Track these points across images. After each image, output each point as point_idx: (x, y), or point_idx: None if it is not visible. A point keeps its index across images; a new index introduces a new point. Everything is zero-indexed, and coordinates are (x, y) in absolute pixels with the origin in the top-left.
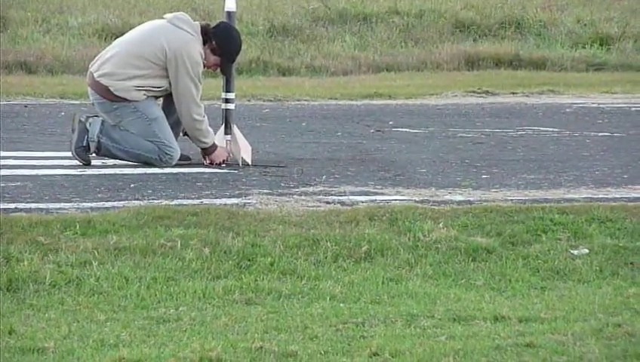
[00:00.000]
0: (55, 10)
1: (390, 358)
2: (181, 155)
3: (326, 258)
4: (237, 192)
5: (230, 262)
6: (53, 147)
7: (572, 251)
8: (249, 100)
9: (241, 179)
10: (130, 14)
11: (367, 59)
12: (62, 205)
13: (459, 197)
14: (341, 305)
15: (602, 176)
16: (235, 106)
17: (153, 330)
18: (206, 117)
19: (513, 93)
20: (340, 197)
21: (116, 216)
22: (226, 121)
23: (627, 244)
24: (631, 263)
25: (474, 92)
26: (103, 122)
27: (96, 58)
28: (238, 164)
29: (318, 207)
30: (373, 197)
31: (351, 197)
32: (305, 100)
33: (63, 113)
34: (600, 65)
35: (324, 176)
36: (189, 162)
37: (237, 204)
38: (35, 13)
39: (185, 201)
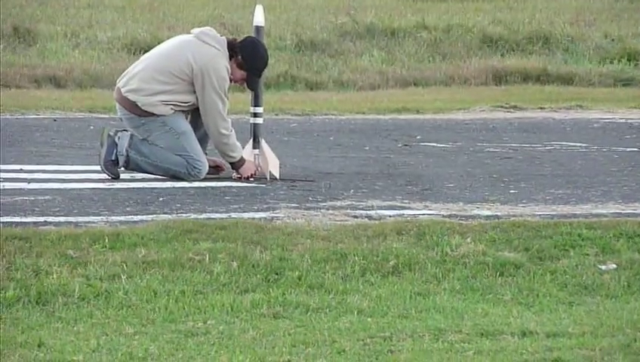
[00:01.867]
0: (84, 25)
1: None
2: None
3: (354, 272)
4: (265, 206)
5: (258, 275)
6: (83, 161)
7: (600, 266)
8: (277, 114)
9: (269, 193)
10: (158, 29)
11: (395, 73)
12: (91, 219)
13: (487, 212)
14: (369, 319)
15: (630, 192)
16: (264, 120)
17: (181, 344)
18: (233, 131)
19: (541, 108)
20: (368, 212)
21: (145, 229)
22: (255, 135)
23: None
24: None
25: (502, 107)
26: (131, 136)
27: (123, 73)
28: (266, 178)
29: (346, 221)
30: (400, 212)
31: (378, 211)
32: (332, 115)
33: (92, 127)
34: (628, 80)
35: (351, 191)
36: (217, 175)
37: (265, 218)
38: (65, 27)
39: (213, 215)
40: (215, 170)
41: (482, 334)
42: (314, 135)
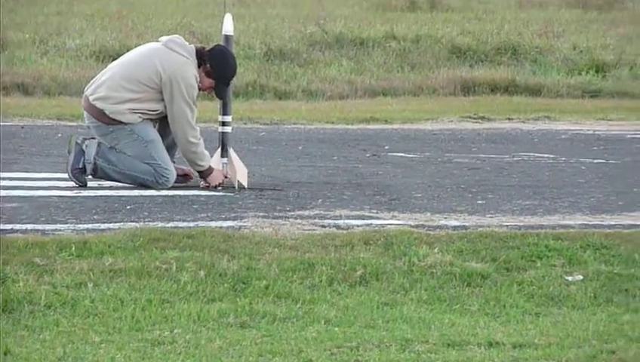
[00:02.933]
0: (53, 32)
1: None
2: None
3: (321, 282)
4: (233, 215)
5: (225, 285)
6: (50, 168)
7: (567, 277)
8: (245, 123)
9: (237, 202)
10: (127, 37)
11: (364, 83)
12: (58, 226)
13: (454, 223)
14: (336, 329)
15: (597, 203)
16: (232, 129)
17: (148, 353)
18: (202, 139)
19: (509, 119)
20: (336, 221)
21: (112, 237)
22: (223, 143)
23: (622, 271)
24: (625, 290)
25: (470, 117)
26: (99, 144)
27: (91, 81)
28: (234, 187)
29: (314, 230)
30: (368, 222)
31: (346, 221)
32: (301, 124)
33: (59, 135)
34: (596, 92)
35: (319, 200)
36: (185, 184)
37: (232, 227)
38: (33, 34)
39: (181, 224)
40: (183, 179)
41: (449, 344)
42: (282, 144)
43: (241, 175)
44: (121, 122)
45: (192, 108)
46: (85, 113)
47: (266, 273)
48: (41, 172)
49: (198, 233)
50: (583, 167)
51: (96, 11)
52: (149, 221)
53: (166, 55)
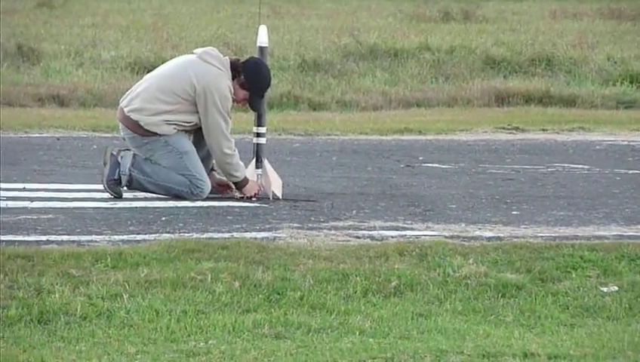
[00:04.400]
0: (88, 44)
1: None
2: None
3: (355, 292)
4: (267, 226)
5: (260, 295)
6: (85, 180)
7: (601, 288)
8: (280, 134)
9: (272, 213)
10: (162, 48)
11: (398, 94)
12: (93, 238)
13: (489, 233)
14: (370, 340)
15: (632, 214)
16: (266, 140)
17: None
18: (236, 151)
19: (543, 130)
20: (370, 232)
21: (147, 249)
22: (257, 155)
23: None
24: None
25: (504, 128)
26: (134, 155)
27: (126, 93)
28: (269, 198)
29: (348, 241)
30: (402, 233)
31: (381, 231)
32: (335, 135)
33: (95, 146)
34: (630, 102)
35: (354, 211)
36: (220, 195)
37: (267, 238)
38: (69, 46)
39: (215, 235)
40: (218, 190)
41: (484, 355)
42: (316, 155)
43: (276, 186)
44: (156, 134)
45: (226, 120)
46: (120, 125)
47: (301, 284)
48: (76, 183)
49: (232, 244)
50: (618, 178)
51: (132, 23)
52: (184, 232)
53: (200, 67)
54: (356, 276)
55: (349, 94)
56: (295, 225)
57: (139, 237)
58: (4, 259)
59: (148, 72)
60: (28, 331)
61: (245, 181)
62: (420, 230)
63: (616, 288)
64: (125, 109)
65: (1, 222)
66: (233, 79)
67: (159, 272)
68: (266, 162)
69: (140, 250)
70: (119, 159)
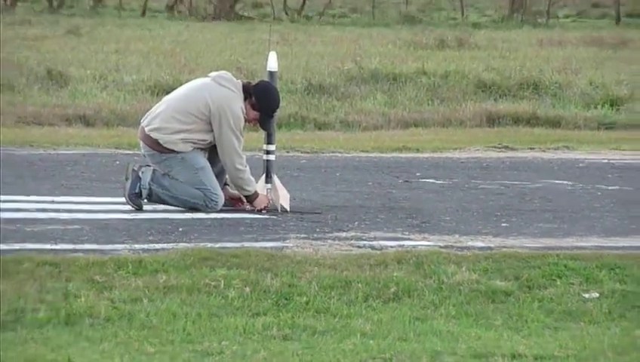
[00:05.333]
0: (112, 69)
1: None
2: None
3: (357, 298)
4: (276, 236)
5: (269, 300)
6: (109, 193)
7: (584, 295)
8: (288, 152)
9: (280, 224)
10: (180, 72)
11: (397, 115)
12: (116, 246)
13: (480, 244)
14: (370, 341)
15: (611, 226)
16: (275, 157)
17: None
18: (248, 167)
19: (531, 149)
20: (371, 242)
21: (165, 257)
22: (267, 170)
23: (634, 289)
24: (637, 306)
25: (494, 147)
26: (154, 171)
27: (147, 113)
28: (278, 210)
29: (350, 250)
30: (401, 243)
31: (380, 242)
32: (339, 152)
33: (117, 162)
34: (610, 124)
35: (356, 223)
36: (232, 208)
37: (276, 247)
38: (94, 71)
39: (228, 244)
40: (231, 203)
41: (475, 356)
42: (321, 171)
43: (284, 199)
44: (173, 151)
45: (238, 138)
46: (141, 143)
47: (307, 290)
48: (100, 196)
49: (244, 253)
50: (599, 193)
51: (152, 49)
52: (199, 241)
53: (215, 89)
54: (358, 282)
55: (351, 115)
56: (301, 235)
57: (158, 246)
58: (35, 266)
59: (166, 94)
60: (56, 332)
61: (256, 195)
62: (416, 240)
63: (597, 294)
64: (146, 128)
65: (32, 232)
66: (245, 100)
67: (176, 278)
68: (275, 177)
69: (158, 258)
70: (140, 174)
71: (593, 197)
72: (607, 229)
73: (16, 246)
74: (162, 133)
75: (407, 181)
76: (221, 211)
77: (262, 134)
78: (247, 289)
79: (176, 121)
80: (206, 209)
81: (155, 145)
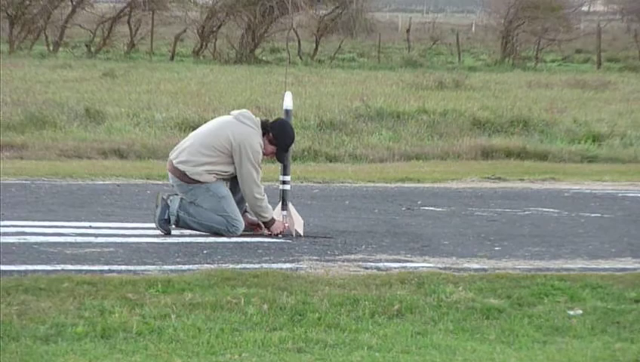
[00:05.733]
0: (144, 107)
1: None
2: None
3: (364, 314)
4: (291, 258)
5: (284, 316)
6: (140, 219)
7: (569, 312)
8: (302, 182)
9: (295, 248)
10: (204, 110)
11: (400, 149)
12: (147, 267)
13: (475, 266)
14: (376, 354)
15: (594, 250)
16: (290, 187)
17: None
18: (265, 195)
19: (521, 180)
20: (377, 264)
21: (191, 276)
22: (283, 199)
23: (614, 307)
24: (617, 322)
25: (488, 178)
26: (181, 199)
27: (175, 148)
28: (292, 235)
29: (358, 271)
30: (404, 264)
31: (385, 263)
32: (348, 183)
33: (148, 191)
34: (592, 157)
35: (363, 246)
36: (252, 232)
37: (291, 268)
38: (127, 109)
39: (248, 265)
40: (250, 228)
41: None
42: (332, 199)
43: (298, 225)
44: (199, 181)
45: (257, 170)
46: (169, 174)
47: (319, 307)
48: (133, 222)
49: (262, 273)
50: (582, 220)
51: (179, 90)
52: (221, 263)
53: (236, 126)
54: (365, 300)
55: (359, 149)
56: (314, 257)
57: (184, 267)
58: (73, 285)
59: (193, 130)
60: (92, 345)
61: (272, 221)
62: (418, 262)
63: (581, 311)
64: (174, 161)
65: (72, 254)
66: (263, 136)
67: (201, 296)
68: (290, 205)
69: (185, 277)
70: (169, 202)
71: (577, 223)
72: (590, 253)
73: (58, 266)
74: (189, 166)
75: (409, 208)
76: (241, 236)
77: (278, 166)
78: (265, 306)
79: (202, 154)
80: (228, 233)
81: (182, 177)
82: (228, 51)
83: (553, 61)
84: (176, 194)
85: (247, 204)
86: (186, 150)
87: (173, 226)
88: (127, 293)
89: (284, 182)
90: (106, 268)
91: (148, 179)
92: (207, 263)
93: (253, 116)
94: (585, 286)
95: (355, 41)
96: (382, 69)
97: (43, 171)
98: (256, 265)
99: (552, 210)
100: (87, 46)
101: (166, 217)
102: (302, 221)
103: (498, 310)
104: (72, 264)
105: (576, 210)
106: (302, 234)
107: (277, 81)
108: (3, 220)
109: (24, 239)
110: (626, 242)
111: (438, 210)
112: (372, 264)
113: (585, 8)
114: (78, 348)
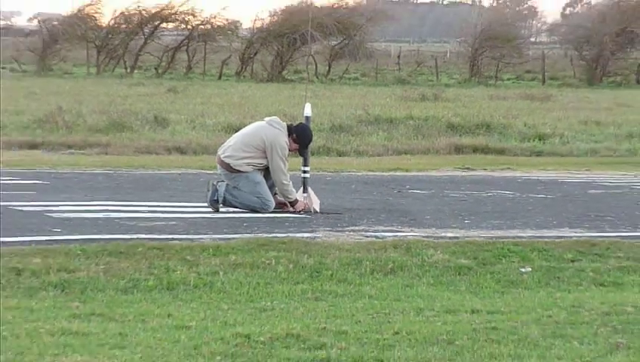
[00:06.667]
0: (198, 115)
1: (406, 335)
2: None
3: (366, 272)
4: (310, 229)
5: (305, 273)
6: (196, 200)
7: (521, 269)
8: (318, 172)
9: (313, 221)
10: (244, 117)
11: (392, 146)
12: (201, 236)
13: (450, 234)
14: (375, 301)
15: (540, 223)
16: (310, 175)
17: (257, 316)
18: (291, 181)
19: (484, 169)
20: (375, 233)
21: (235, 243)
22: (304, 184)
23: (555, 265)
24: (557, 277)
25: (459, 168)
26: (227, 185)
27: (222, 145)
28: (311, 212)
29: (361, 239)
30: (396, 233)
31: (382, 233)
32: (353, 172)
33: (202, 179)
34: (539, 152)
35: (365, 220)
36: (280, 210)
37: (310, 237)
38: (186, 116)
39: (277, 234)
40: (279, 206)
41: (447, 311)
42: (341, 184)
43: (316, 204)
44: (240, 171)
45: (284, 163)
46: (218, 165)
47: (331, 266)
48: (190, 202)
49: (288, 240)
50: (531, 200)
51: (225, 102)
52: (257, 233)
53: (268, 129)
54: (366, 261)
55: (361, 146)
56: (327, 229)
57: (229, 236)
58: (145, 250)
59: (235, 132)
60: (160, 295)
61: (296, 201)
62: (406, 232)
63: (530, 269)
64: (221, 156)
65: (144, 226)
66: (289, 136)
67: (242, 258)
68: (309, 189)
69: (230, 244)
70: (217, 187)
71: (527, 202)
72: (537, 224)
73: (134, 236)
74: (232, 159)
75: (399, 191)
76: (272, 212)
77: (300, 159)
78: (291, 265)
79: (242, 151)
80: (262, 210)
81: (227, 167)
82: (262, 73)
83: (509, 79)
84: (223, 181)
85: (276, 188)
86: (230, 147)
87: (221, 205)
88: (186, 256)
89: (304, 172)
90: (170, 236)
91: (201, 169)
92: (247, 233)
93: (281, 121)
94: (533, 250)
95: (358, 64)
96: (378, 86)
97: (122, 163)
98: (284, 235)
99: (508, 192)
100: (155, 69)
101: (215, 198)
102: (318, 201)
103: (467, 268)
104: (144, 233)
105: (527, 192)
106: (318, 211)
107: (299, 95)
108: (92, 201)
109: (108, 215)
110: (564, 216)
111: (421, 192)
112: (371, 233)
113: (533, 39)
114: (149, 297)
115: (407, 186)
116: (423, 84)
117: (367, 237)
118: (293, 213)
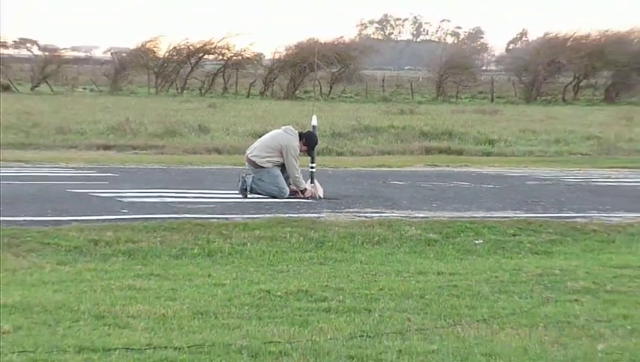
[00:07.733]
0: (232, 124)
1: (388, 291)
2: (290, 192)
3: (358, 243)
4: (316, 211)
5: (312, 244)
6: (229, 188)
7: (475, 241)
8: (322, 167)
9: (318, 205)
10: (266, 125)
11: (378, 148)
12: (233, 216)
13: (422, 215)
14: (365, 266)
15: (490, 206)
16: (315, 170)
17: (276, 276)
18: (301, 174)
19: (448, 166)
20: (365, 214)
21: (259, 221)
22: (311, 176)
23: (501, 238)
24: (502, 247)
25: (429, 165)
26: (253, 177)
27: (249, 147)
28: (317, 198)
29: (354, 218)
30: (380, 214)
31: (370, 214)
32: (348, 168)
33: (234, 173)
34: (489, 153)
35: (358, 204)
36: (294, 196)
37: (316, 216)
38: (223, 125)
39: (291, 215)
40: (292, 194)
41: (419, 273)
42: (339, 177)
43: (321, 192)
44: (263, 167)
45: (296, 160)
46: (246, 163)
47: (332, 238)
48: (225, 190)
49: (299, 219)
50: (483, 189)
51: (252, 114)
52: (276, 213)
53: (284, 135)
54: (358, 235)
55: (355, 148)
56: (329, 210)
57: (255, 216)
58: (191, 226)
59: (259, 137)
60: (202, 260)
61: (305, 189)
62: (389, 213)
63: (482, 241)
64: (248, 155)
65: (191, 208)
66: (300, 141)
67: (264, 232)
68: (315, 180)
69: (255, 222)
70: (246, 179)
71: (480, 191)
72: (487, 208)
73: (183, 215)
74: (257, 158)
75: (384, 182)
76: (288, 198)
77: (308, 158)
78: (301, 238)
79: (265, 151)
80: (280, 197)
81: (253, 164)
82: (280, 92)
83: (466, 98)
84: (250, 174)
85: (290, 180)
86: (255, 148)
87: (248, 193)
88: (222, 230)
89: (311, 167)
90: (210, 216)
91: (234, 165)
92: (268, 214)
93: (294, 129)
94: (484, 227)
95: (352, 86)
96: (368, 103)
97: (174, 161)
98: (296, 215)
99: (465, 183)
100: (199, 89)
101: (244, 187)
102: (322, 189)
103: (434, 240)
104: (190, 214)
105: (479, 183)
106: (322, 197)
107: (308, 110)
108: (151, 189)
109: (163, 200)
110: (508, 202)
111: (400, 183)
112: (362, 214)
113: (484, 68)
114: (194, 262)
115: (390, 179)
116: (401, 101)
117: (359, 216)
118: (303, 198)
